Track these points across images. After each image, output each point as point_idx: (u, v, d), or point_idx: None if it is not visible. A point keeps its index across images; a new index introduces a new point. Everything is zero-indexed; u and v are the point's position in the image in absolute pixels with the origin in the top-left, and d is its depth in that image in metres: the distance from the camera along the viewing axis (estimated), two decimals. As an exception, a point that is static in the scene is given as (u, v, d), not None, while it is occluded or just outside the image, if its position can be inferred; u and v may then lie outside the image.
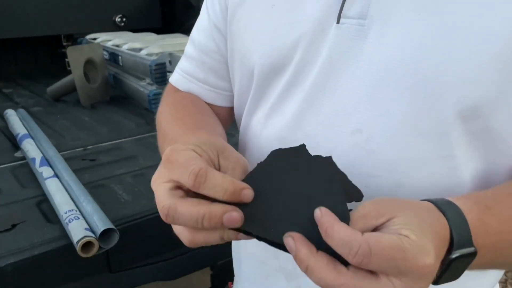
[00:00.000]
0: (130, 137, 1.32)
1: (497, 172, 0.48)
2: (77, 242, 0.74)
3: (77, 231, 0.76)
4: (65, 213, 0.81)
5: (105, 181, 1.02)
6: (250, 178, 0.39)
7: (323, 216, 0.35)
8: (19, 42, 2.18)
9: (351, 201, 0.39)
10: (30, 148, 1.12)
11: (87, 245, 0.75)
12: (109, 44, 1.82)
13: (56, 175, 0.98)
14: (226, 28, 0.59)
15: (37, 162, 1.04)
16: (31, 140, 1.18)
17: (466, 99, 0.43)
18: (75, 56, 1.60)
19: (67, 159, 1.08)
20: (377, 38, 0.45)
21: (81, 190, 0.90)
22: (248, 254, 0.65)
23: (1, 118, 1.46)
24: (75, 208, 0.84)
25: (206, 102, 0.65)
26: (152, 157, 1.15)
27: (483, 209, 0.41)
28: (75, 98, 1.67)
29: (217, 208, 0.36)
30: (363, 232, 0.35)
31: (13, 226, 0.83)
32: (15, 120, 1.36)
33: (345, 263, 0.35)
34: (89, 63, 1.65)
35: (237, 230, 0.38)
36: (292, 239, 0.35)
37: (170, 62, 1.53)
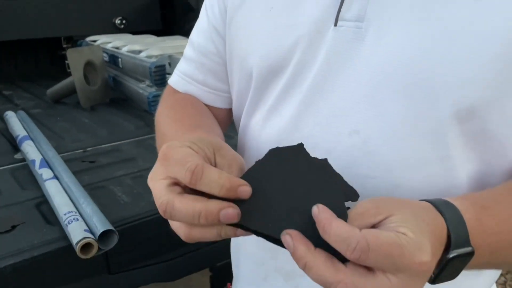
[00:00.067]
0: (129, 139, 1.33)
1: (493, 174, 0.48)
2: (77, 243, 0.74)
3: (77, 233, 0.76)
4: (65, 214, 0.81)
5: (105, 183, 1.02)
6: (248, 176, 0.39)
7: (321, 212, 0.36)
8: (19, 44, 2.18)
9: (347, 201, 0.39)
10: (30, 150, 1.12)
11: (86, 247, 0.75)
12: (109, 46, 1.82)
13: (55, 177, 0.98)
14: (225, 30, 0.59)
15: (37, 163, 1.04)
16: (31, 142, 1.18)
17: (462, 100, 0.43)
18: (75, 58, 1.61)
19: (67, 161, 1.08)
20: (375, 41, 0.45)
21: (81, 192, 0.90)
22: (247, 254, 0.65)
23: (1, 120, 1.46)
24: (74, 209, 0.84)
25: (204, 104, 0.65)
26: (151, 159, 1.15)
27: (480, 209, 0.41)
28: (75, 100, 1.67)
29: (213, 204, 0.36)
30: (361, 229, 0.35)
31: (13, 227, 0.83)
32: (15, 122, 1.36)
33: (343, 261, 0.35)
34: (89, 65, 1.66)
35: (235, 225, 0.38)
36: (289, 236, 0.36)
37: (169, 64, 1.53)
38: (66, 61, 1.76)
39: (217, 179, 0.37)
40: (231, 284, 0.75)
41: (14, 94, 1.89)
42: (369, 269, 0.35)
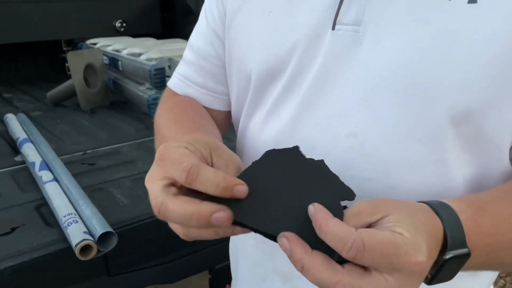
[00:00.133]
0: (129, 141, 1.33)
1: (489, 176, 0.49)
2: (76, 245, 0.74)
3: (76, 235, 0.76)
4: (64, 216, 0.82)
5: (104, 185, 1.02)
6: (244, 175, 0.40)
7: (317, 212, 0.36)
8: (20, 47, 2.18)
9: (343, 200, 0.39)
10: (30, 152, 1.12)
11: (85, 248, 0.75)
12: (109, 49, 1.83)
13: (55, 179, 0.98)
14: (224, 33, 0.59)
15: (37, 166, 1.04)
16: (31, 145, 1.18)
17: (459, 103, 0.43)
18: (75, 61, 1.61)
19: (67, 163, 1.08)
20: (372, 44, 0.46)
21: (80, 194, 0.90)
22: (245, 256, 0.66)
23: (1, 122, 1.46)
24: (74, 211, 0.84)
25: (203, 106, 0.66)
26: (151, 161, 1.13)
27: (477, 210, 0.41)
28: (75, 103, 1.67)
29: (205, 207, 0.36)
30: (357, 228, 0.35)
31: (13, 229, 0.83)
32: (15, 124, 1.36)
33: (340, 262, 0.35)
34: (89, 68, 1.66)
35: (233, 223, 0.38)
36: (286, 239, 0.36)
37: (169, 67, 1.53)
38: (66, 64, 1.77)
39: (212, 178, 0.37)
40: (229, 286, 0.75)
41: (14, 96, 1.90)
42: (366, 269, 0.35)
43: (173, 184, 0.39)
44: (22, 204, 0.93)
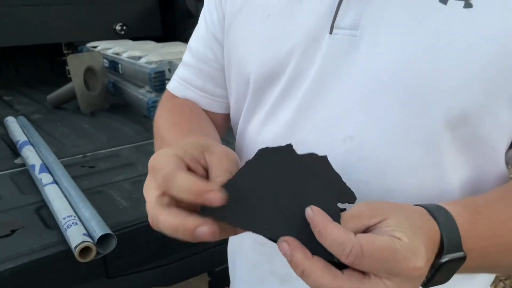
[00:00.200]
0: (129, 144, 1.33)
1: (485, 179, 0.49)
2: (75, 247, 0.74)
3: (75, 237, 0.76)
4: (64, 218, 0.82)
5: (104, 188, 1.02)
6: (239, 176, 0.39)
7: (316, 216, 0.36)
8: (20, 50, 2.19)
9: (344, 203, 0.39)
10: (30, 155, 1.13)
11: (85, 250, 0.75)
12: (109, 52, 1.84)
13: (55, 182, 0.98)
14: (224, 37, 0.60)
15: (37, 168, 1.04)
16: (31, 147, 1.19)
17: (455, 107, 0.44)
18: (75, 64, 1.62)
19: (67, 166, 1.09)
20: (369, 48, 0.46)
21: (80, 196, 0.91)
22: (243, 258, 0.66)
23: (2, 125, 1.47)
24: (73, 214, 0.84)
25: (202, 109, 0.66)
26: (150, 164, 1.16)
27: (473, 214, 0.41)
28: (75, 106, 1.68)
29: (189, 222, 0.36)
30: (355, 231, 0.36)
31: (13, 231, 0.83)
32: (15, 127, 1.37)
33: (339, 265, 0.36)
34: (89, 71, 1.67)
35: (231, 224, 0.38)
36: (286, 244, 0.36)
37: (169, 70, 1.54)
38: (66, 67, 1.77)
39: (184, 184, 0.36)
40: (228, 288, 0.76)
41: (14, 99, 1.90)
42: (365, 274, 0.35)
43: (165, 193, 0.39)
44: (22, 206, 0.94)
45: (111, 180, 1.07)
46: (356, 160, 0.48)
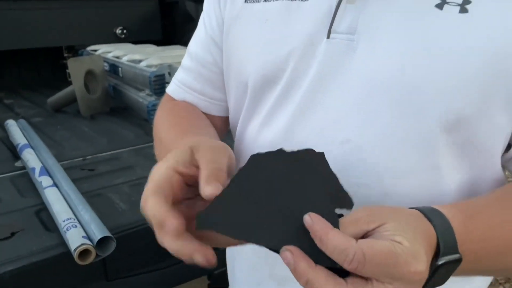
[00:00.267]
0: (128, 147, 1.33)
1: (481, 182, 0.49)
2: (75, 249, 0.75)
3: (75, 239, 0.77)
4: (63, 221, 0.82)
5: (103, 191, 1.03)
6: (233, 184, 0.39)
7: (315, 223, 0.36)
8: (21, 53, 2.20)
9: (341, 208, 0.39)
10: (30, 158, 1.13)
11: (84, 253, 0.76)
12: (109, 55, 1.84)
13: (55, 185, 0.99)
14: (223, 41, 0.60)
15: (37, 171, 1.05)
16: (31, 150, 1.19)
17: (450, 111, 0.44)
18: (75, 68, 1.62)
19: (67, 169, 1.09)
20: (366, 52, 0.46)
21: (79, 199, 0.91)
22: (241, 260, 0.66)
23: (2, 128, 1.47)
24: (73, 216, 0.85)
25: (201, 112, 0.66)
26: (150, 167, 1.15)
27: (468, 216, 0.42)
28: (75, 109, 1.68)
29: (186, 248, 0.38)
30: (354, 237, 0.36)
31: (12, 234, 0.84)
32: (16, 130, 1.37)
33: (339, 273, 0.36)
34: (89, 74, 1.67)
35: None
36: (290, 253, 0.36)
37: (169, 73, 1.54)
38: (67, 70, 1.78)
39: (149, 211, 0.39)
40: (227, 291, 0.76)
41: (15, 102, 1.91)
42: (367, 279, 0.35)
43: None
44: (22, 209, 0.94)
45: (110, 183, 1.07)
46: (353, 163, 0.48)
